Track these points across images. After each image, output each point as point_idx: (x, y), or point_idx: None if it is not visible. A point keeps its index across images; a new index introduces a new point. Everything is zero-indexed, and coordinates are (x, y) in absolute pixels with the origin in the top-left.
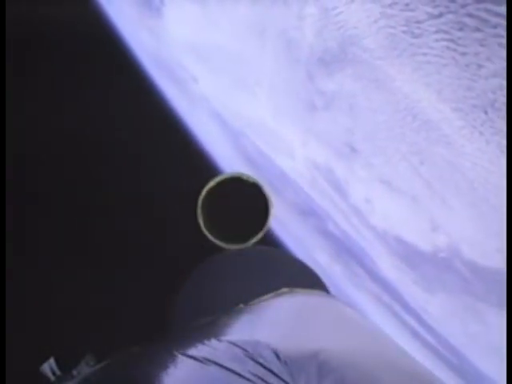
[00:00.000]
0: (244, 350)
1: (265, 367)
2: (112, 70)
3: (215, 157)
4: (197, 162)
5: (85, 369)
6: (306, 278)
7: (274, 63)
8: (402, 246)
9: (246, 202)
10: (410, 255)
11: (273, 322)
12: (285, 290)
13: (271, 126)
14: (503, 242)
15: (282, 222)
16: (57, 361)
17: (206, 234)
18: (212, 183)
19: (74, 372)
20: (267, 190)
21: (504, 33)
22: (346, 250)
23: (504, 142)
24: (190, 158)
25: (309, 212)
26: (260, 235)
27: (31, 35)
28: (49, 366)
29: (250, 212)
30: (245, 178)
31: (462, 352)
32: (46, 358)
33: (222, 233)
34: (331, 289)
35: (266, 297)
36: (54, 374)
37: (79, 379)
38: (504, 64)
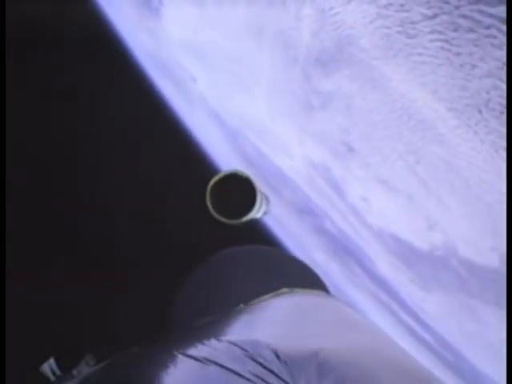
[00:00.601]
0: (244, 349)
1: (265, 367)
2: (111, 70)
3: (214, 157)
4: (196, 162)
5: (85, 369)
6: (306, 278)
7: (271, 63)
8: (398, 244)
9: (240, 191)
10: (406, 253)
11: (273, 322)
12: (285, 289)
13: (269, 126)
14: (498, 241)
15: (280, 221)
16: (57, 361)
17: (213, 213)
18: (216, 177)
19: (74, 372)
20: (256, 183)
21: (497, 33)
22: (342, 249)
23: (498, 141)
24: (189, 158)
25: (306, 210)
26: (250, 215)
27: (31, 35)
28: (49, 366)
29: (243, 199)
30: (240, 173)
31: (458, 349)
32: (46, 358)
33: (223, 213)
34: (330, 288)
35: (265, 297)
36: (54, 374)
37: (79, 379)
38: (498, 64)
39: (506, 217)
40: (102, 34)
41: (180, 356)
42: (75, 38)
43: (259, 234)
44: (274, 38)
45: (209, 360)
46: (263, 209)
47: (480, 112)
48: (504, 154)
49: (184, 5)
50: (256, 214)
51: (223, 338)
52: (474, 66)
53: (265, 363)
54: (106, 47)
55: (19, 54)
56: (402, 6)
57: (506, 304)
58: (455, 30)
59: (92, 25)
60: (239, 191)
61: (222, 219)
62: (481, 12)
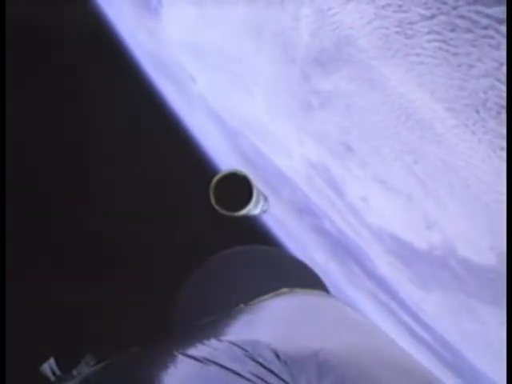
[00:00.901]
0: (244, 349)
1: (265, 367)
2: (111, 70)
3: (214, 157)
4: (195, 162)
5: (85, 369)
6: (306, 278)
7: (270, 63)
8: (397, 243)
9: (240, 188)
10: (405, 253)
11: (273, 322)
12: (285, 289)
13: (268, 126)
14: (496, 240)
15: (280, 221)
16: (57, 361)
17: (215, 206)
18: (218, 176)
19: (74, 372)
20: (253, 181)
21: (494, 34)
22: (342, 248)
23: (496, 140)
24: (189, 158)
25: (306, 210)
26: (247, 208)
27: (31, 35)
28: (49, 366)
29: (242, 195)
30: (238, 172)
31: (457, 348)
32: (46, 358)
33: (224, 207)
34: (330, 288)
35: (265, 297)
36: (54, 374)
37: (79, 379)
38: (495, 64)
39: (505, 217)
40: (102, 34)
41: (180, 356)
42: (75, 37)
43: (259, 234)
44: (273, 38)
45: (209, 360)
46: (261, 205)
47: (477, 112)
48: (502, 154)
49: (183, 5)
50: (254, 208)
51: (223, 337)
52: (471, 66)
53: (265, 363)
54: (105, 47)
55: (19, 54)
56: (400, 6)
57: (506, 304)
58: (453, 31)
59: (92, 25)
60: (239, 188)
61: (223, 212)
62: (478, 13)
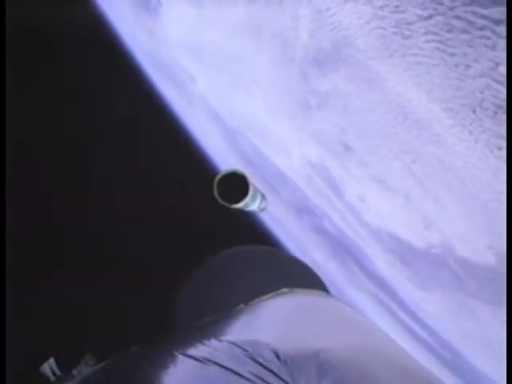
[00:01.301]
0: (244, 350)
1: (265, 367)
2: (111, 70)
3: (213, 156)
4: (195, 162)
5: (85, 369)
6: (306, 278)
7: (269, 63)
8: (396, 243)
9: (239, 185)
10: (404, 252)
11: (273, 322)
12: (285, 289)
13: (268, 126)
14: (494, 239)
15: (280, 221)
16: (57, 361)
17: (218, 199)
18: (219, 175)
19: (74, 372)
20: (250, 178)
21: (491, 34)
22: (342, 248)
23: (492, 140)
24: (188, 157)
25: (305, 210)
26: (245, 201)
27: (31, 35)
28: (49, 366)
29: (239, 190)
30: (237, 172)
31: (457, 348)
32: (46, 358)
33: (225, 199)
34: (330, 288)
35: (265, 297)
36: (54, 374)
37: (79, 379)
38: (491, 64)
39: (505, 216)
40: (102, 34)
41: (180, 356)
42: (75, 37)
43: (259, 234)
44: (272, 38)
45: (209, 360)
46: (258, 202)
47: (474, 112)
48: (499, 153)
49: (182, 5)
50: (251, 203)
51: (223, 337)
52: (468, 67)
53: (265, 363)
54: (106, 47)
55: (19, 54)
56: (397, 7)
57: (506, 303)
58: (449, 31)
59: (92, 25)
60: (238, 185)
61: (225, 203)
62: (474, 13)
